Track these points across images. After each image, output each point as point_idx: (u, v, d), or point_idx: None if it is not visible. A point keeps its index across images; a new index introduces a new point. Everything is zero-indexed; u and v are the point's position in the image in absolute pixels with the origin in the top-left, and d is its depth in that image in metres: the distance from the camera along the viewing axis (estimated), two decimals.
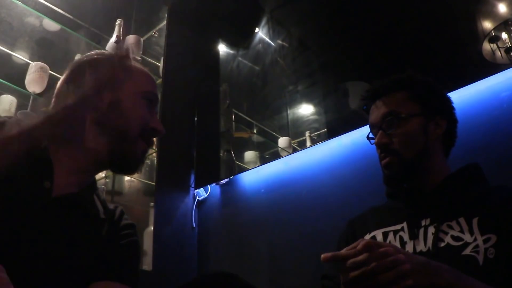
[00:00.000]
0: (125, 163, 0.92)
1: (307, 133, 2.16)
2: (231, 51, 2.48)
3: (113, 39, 2.09)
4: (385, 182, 1.07)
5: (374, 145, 1.09)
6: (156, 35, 2.34)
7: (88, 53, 0.99)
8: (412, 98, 1.07)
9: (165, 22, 2.27)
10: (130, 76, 0.95)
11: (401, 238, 0.98)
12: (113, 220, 0.96)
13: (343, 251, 0.75)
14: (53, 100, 0.95)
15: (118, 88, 0.92)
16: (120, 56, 0.97)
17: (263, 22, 2.42)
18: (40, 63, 1.80)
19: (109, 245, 0.91)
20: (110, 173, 2.08)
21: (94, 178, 0.98)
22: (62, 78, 0.97)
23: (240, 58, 2.45)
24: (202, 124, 2.27)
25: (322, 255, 0.74)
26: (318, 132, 2.13)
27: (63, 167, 0.87)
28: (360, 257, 0.71)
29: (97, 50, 1.01)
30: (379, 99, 1.09)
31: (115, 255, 0.90)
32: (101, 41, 2.12)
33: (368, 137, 1.14)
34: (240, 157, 2.23)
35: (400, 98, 1.07)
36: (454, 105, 1.12)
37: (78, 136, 0.89)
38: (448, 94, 1.15)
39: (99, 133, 0.90)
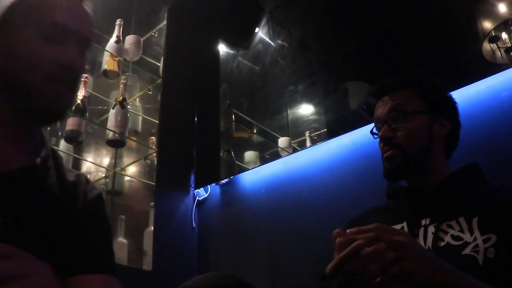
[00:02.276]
0: (41, 116, 0.78)
1: (307, 133, 2.16)
2: (231, 51, 2.48)
3: (113, 39, 2.09)
4: (385, 175, 1.07)
5: (377, 139, 1.09)
6: (156, 35, 2.34)
7: None
8: (420, 96, 1.07)
9: (165, 22, 2.27)
10: (28, 11, 0.77)
11: None
12: (75, 194, 0.83)
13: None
14: None
15: (11, 30, 0.76)
16: None
17: (263, 22, 2.42)
18: None
19: (76, 227, 0.79)
20: (110, 173, 2.08)
21: (45, 140, 0.83)
22: None
23: (240, 58, 2.45)
24: (202, 124, 2.27)
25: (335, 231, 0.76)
26: (318, 132, 2.12)
27: None
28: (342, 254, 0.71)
29: None
30: (386, 95, 1.09)
31: (85, 240, 0.79)
32: (101, 41, 2.12)
33: (372, 132, 1.13)
34: (240, 157, 2.23)
35: (407, 94, 1.07)
36: (458, 108, 1.12)
37: None
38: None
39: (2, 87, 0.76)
